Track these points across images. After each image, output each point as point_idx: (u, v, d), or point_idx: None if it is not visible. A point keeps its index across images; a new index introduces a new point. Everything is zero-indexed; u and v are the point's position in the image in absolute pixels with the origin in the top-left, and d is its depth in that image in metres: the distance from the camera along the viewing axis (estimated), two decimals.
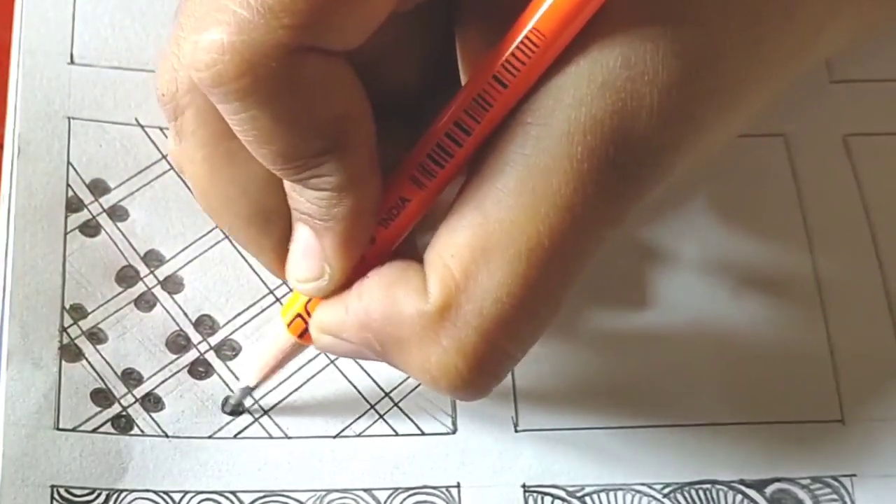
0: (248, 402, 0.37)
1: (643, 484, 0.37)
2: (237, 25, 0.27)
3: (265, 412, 0.37)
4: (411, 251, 0.32)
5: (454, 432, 0.37)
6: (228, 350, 0.38)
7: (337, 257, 0.31)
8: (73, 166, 0.39)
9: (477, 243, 0.29)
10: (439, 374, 0.30)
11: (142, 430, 0.36)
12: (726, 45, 0.29)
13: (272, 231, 0.32)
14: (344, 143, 0.29)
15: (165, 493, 0.35)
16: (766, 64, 0.30)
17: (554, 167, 0.28)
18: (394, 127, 0.31)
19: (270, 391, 0.37)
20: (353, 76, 0.29)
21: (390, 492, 0.36)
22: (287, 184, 0.31)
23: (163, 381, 0.37)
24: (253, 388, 0.36)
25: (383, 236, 0.31)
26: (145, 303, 0.38)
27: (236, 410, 0.37)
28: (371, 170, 0.30)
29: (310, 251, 0.31)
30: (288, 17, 0.27)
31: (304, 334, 0.34)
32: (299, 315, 0.33)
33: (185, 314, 0.38)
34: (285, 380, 0.37)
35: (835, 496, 0.37)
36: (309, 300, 0.33)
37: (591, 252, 0.30)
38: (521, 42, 0.28)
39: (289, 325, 0.34)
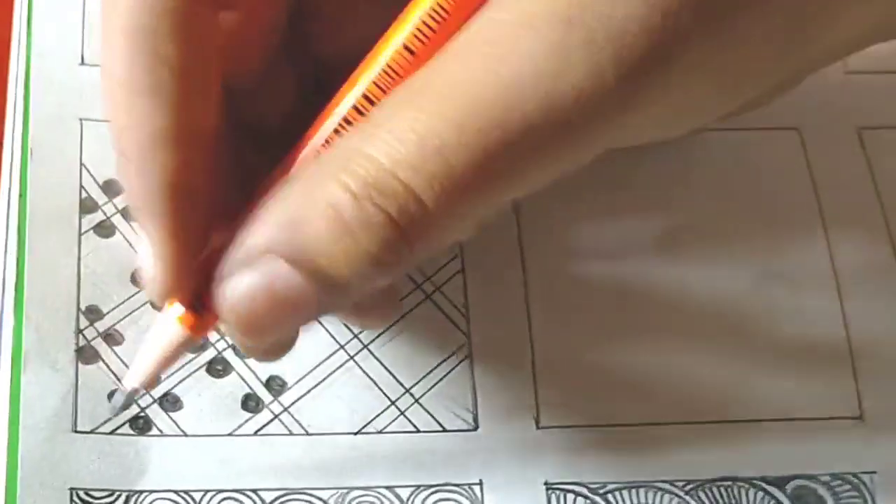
0: (267, 398, 0.37)
1: (665, 481, 0.37)
2: None
3: (285, 409, 0.37)
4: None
5: (475, 429, 0.37)
6: None
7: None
8: (86, 167, 0.39)
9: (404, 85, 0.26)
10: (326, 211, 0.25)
11: (160, 430, 0.36)
12: None
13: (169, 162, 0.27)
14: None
15: (186, 492, 0.35)
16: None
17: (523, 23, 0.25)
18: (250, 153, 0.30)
19: (291, 387, 0.37)
20: None
21: (413, 489, 0.36)
22: None
23: (181, 381, 0.37)
24: (140, 392, 0.31)
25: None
26: None
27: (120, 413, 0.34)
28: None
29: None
30: None
31: (194, 326, 0.29)
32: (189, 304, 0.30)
33: None
34: (304, 376, 0.37)
35: (855, 493, 0.37)
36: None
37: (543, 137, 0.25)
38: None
39: (180, 318, 0.30)
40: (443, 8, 0.26)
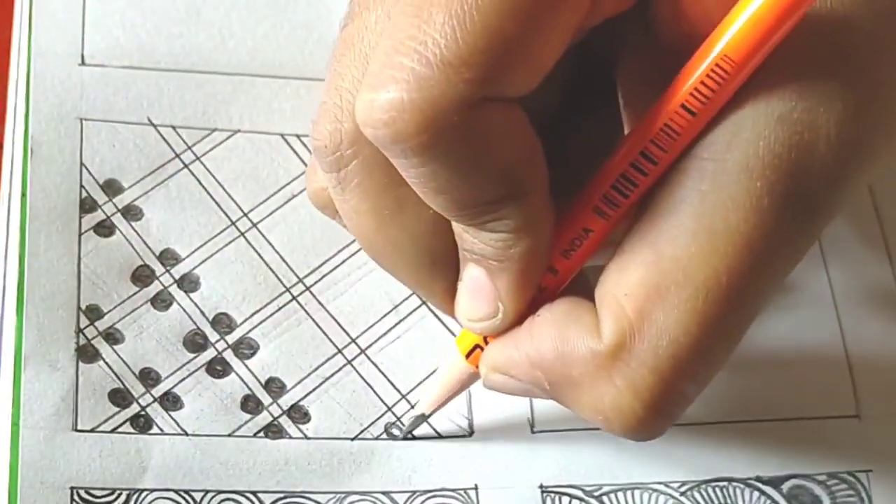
0: (266, 400, 0.37)
1: (660, 482, 0.37)
2: (416, 83, 0.27)
3: (284, 412, 0.37)
4: (582, 286, 0.32)
5: (470, 434, 0.37)
6: (246, 348, 0.38)
7: (511, 297, 0.31)
8: (86, 167, 0.39)
9: (651, 282, 0.29)
10: (613, 416, 0.30)
11: (161, 429, 0.36)
12: (888, 76, 0.29)
13: (442, 274, 0.32)
14: (522, 187, 0.29)
15: (186, 492, 0.35)
16: None
17: (733, 203, 0.28)
18: None
19: (290, 389, 0.37)
20: (526, 120, 0.29)
21: (409, 494, 0.36)
22: (458, 226, 0.30)
23: (181, 380, 0.37)
24: (427, 417, 0.36)
25: (564, 267, 0.31)
26: (161, 302, 0.38)
27: (408, 437, 0.37)
28: (546, 209, 0.30)
29: (482, 290, 0.31)
30: (468, 71, 0.26)
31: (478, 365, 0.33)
32: (477, 345, 0.33)
33: (202, 313, 0.38)
34: (302, 379, 0.38)
35: (851, 492, 0.37)
36: None
37: (770, 290, 0.29)
38: (711, 69, 0.28)
39: (467, 356, 0.33)
40: (723, 69, 0.28)
